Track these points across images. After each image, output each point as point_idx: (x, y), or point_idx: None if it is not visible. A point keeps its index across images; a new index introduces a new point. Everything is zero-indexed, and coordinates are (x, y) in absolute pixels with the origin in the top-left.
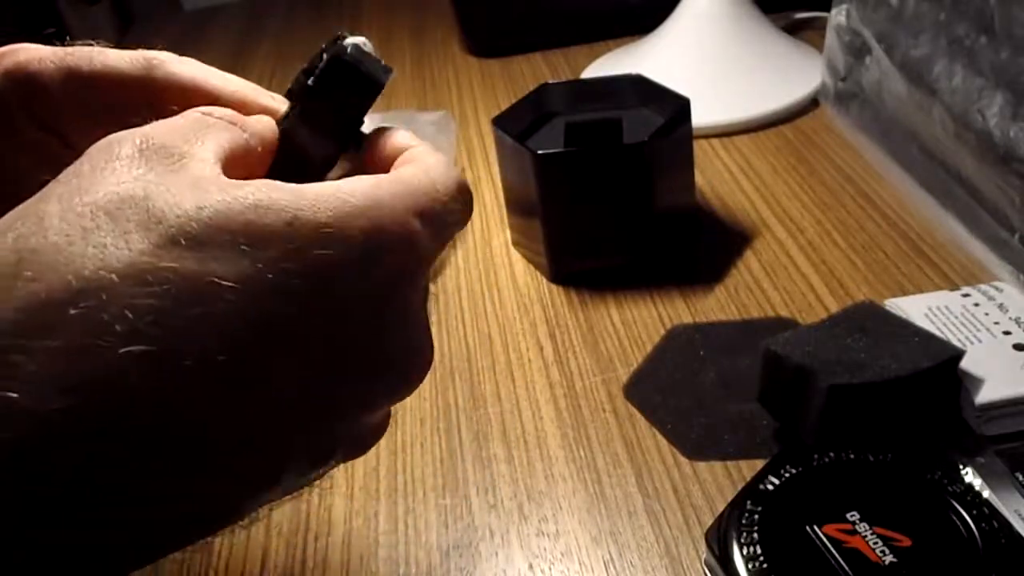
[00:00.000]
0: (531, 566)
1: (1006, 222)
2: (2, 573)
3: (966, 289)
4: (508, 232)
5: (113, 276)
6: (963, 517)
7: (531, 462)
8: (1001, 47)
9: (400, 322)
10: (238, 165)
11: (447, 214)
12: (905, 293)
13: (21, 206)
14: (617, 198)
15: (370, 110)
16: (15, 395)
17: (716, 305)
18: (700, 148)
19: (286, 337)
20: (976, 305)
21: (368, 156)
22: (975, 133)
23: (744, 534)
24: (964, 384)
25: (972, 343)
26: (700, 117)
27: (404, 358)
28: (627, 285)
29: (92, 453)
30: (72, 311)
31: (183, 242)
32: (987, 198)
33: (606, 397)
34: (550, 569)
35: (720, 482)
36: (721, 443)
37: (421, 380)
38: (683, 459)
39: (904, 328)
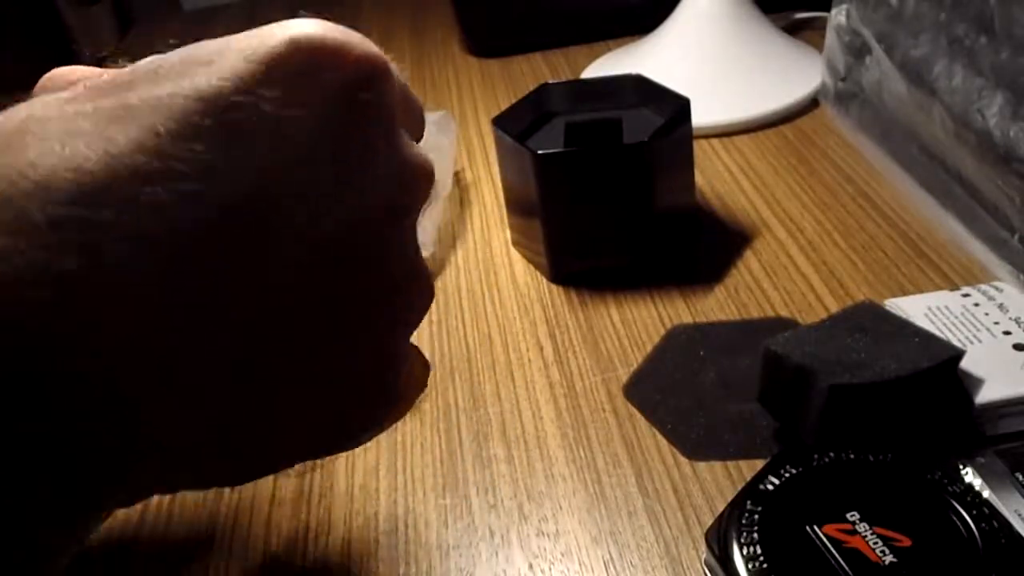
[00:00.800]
0: (531, 566)
1: (1006, 222)
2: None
3: (966, 289)
4: (508, 232)
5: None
6: (963, 517)
7: (531, 462)
8: (1001, 47)
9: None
10: None
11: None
12: (905, 293)
13: None
14: (617, 198)
15: None
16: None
17: (716, 305)
18: (700, 148)
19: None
20: (976, 305)
21: None
22: (975, 133)
23: (744, 534)
24: (964, 384)
25: (972, 343)
26: (700, 117)
27: (401, 171)
28: (627, 285)
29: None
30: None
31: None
32: (987, 198)
33: (606, 397)
34: (550, 569)
35: (720, 482)
36: (721, 443)
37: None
38: (683, 459)
39: (904, 328)
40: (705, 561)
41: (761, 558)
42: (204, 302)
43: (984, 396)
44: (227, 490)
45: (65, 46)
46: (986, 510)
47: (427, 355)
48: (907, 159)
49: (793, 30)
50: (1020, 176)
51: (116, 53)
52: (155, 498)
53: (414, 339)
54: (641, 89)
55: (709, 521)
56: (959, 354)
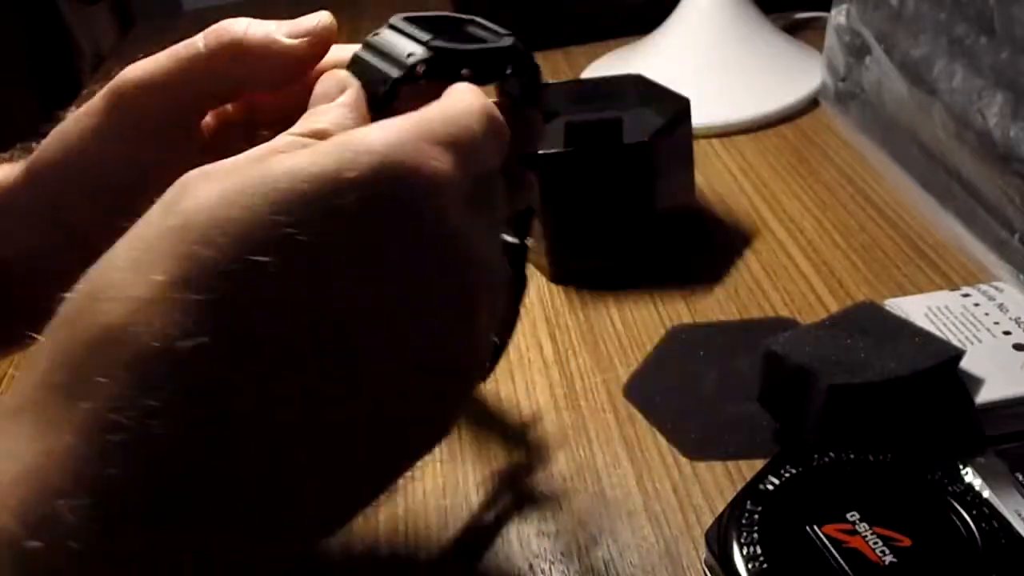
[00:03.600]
0: (531, 566)
1: (1006, 222)
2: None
3: (966, 289)
4: None
5: (164, 284)
6: (963, 517)
7: (531, 462)
8: (1001, 47)
9: (439, 244)
10: None
11: (470, 137)
12: (905, 293)
13: None
14: (617, 198)
15: None
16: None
17: (716, 305)
18: (700, 148)
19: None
20: (976, 305)
21: None
22: (975, 133)
23: (744, 534)
24: (964, 384)
25: (972, 343)
26: (700, 117)
27: (458, 273)
28: (627, 285)
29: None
30: (132, 327)
31: (208, 232)
32: (987, 198)
33: (606, 397)
34: (550, 569)
35: (720, 482)
36: (721, 443)
37: (490, 292)
38: (683, 459)
39: (904, 328)
40: (705, 561)
41: (761, 558)
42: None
43: (984, 396)
44: None
45: (65, 46)
46: (986, 510)
47: None
48: (907, 159)
49: (793, 30)
50: (1020, 176)
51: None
52: None
53: None
54: (641, 89)
55: (709, 521)
56: (959, 354)
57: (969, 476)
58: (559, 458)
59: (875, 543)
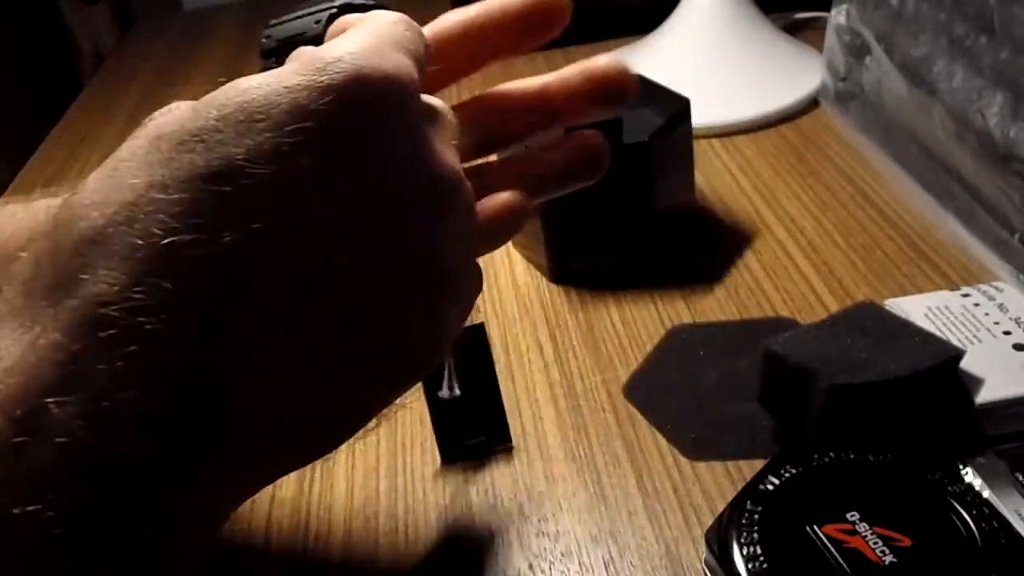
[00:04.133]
0: (531, 566)
1: (1006, 222)
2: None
3: (966, 289)
4: None
5: (139, 190)
6: (963, 517)
7: (531, 462)
8: (1001, 47)
9: (411, 144)
10: None
11: (416, 44)
12: (905, 293)
13: None
14: (617, 198)
15: None
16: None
17: (716, 305)
18: (700, 148)
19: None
20: (976, 305)
21: None
22: (975, 133)
23: (744, 534)
24: (964, 384)
25: (972, 343)
26: (700, 117)
27: (435, 180)
28: (627, 285)
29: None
30: (110, 230)
31: (186, 137)
32: (987, 198)
33: (606, 397)
34: (550, 569)
35: (720, 482)
36: (721, 443)
37: (465, 201)
38: (683, 459)
39: (904, 328)
40: (705, 561)
41: (761, 558)
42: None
43: (984, 396)
44: None
45: (65, 46)
46: (986, 510)
47: None
48: (907, 159)
49: (793, 30)
50: (1020, 176)
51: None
52: None
53: None
54: (641, 89)
55: (709, 521)
56: (959, 354)
57: (969, 476)
58: (559, 458)
59: (875, 543)
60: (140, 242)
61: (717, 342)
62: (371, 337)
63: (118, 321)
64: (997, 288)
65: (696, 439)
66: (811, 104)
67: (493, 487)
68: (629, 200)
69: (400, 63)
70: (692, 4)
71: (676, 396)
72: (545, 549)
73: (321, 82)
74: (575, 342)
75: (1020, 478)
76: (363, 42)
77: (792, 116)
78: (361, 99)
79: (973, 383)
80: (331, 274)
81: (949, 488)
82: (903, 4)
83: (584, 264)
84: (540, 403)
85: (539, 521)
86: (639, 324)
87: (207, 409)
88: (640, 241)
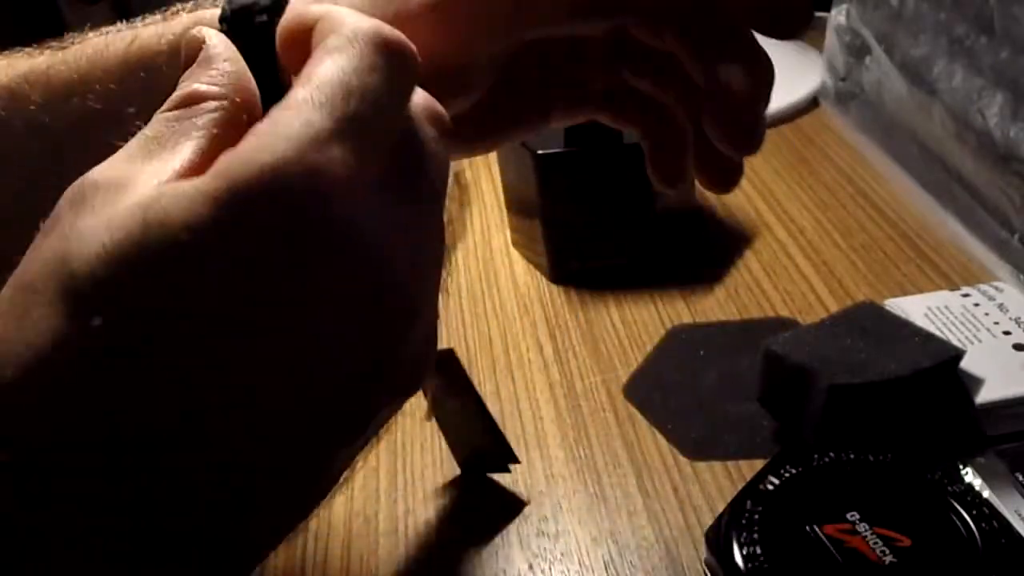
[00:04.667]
0: (531, 566)
1: (1006, 222)
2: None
3: (966, 289)
4: (508, 232)
5: (46, 352)
6: (963, 517)
7: (531, 462)
8: (1001, 47)
9: (345, 249)
10: (227, 142)
11: (369, 102)
12: (905, 293)
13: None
14: (617, 198)
15: None
16: None
17: (716, 305)
18: None
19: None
20: (976, 305)
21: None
22: (975, 133)
23: (744, 534)
24: (964, 384)
25: (972, 343)
26: None
27: (374, 280)
28: (627, 285)
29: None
30: (11, 402)
31: (89, 295)
32: (987, 198)
33: (606, 397)
34: (550, 569)
35: (720, 482)
36: (721, 443)
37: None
38: (683, 459)
39: (904, 328)
40: (705, 561)
41: (761, 558)
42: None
43: (984, 396)
44: None
45: None
46: (986, 510)
47: None
48: (907, 159)
49: None
50: (1020, 176)
51: None
52: None
53: None
54: None
55: (709, 521)
56: (959, 354)
57: (969, 476)
58: (559, 458)
59: (875, 543)
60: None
61: (717, 342)
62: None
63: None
64: (997, 288)
65: (696, 439)
66: (811, 104)
67: (493, 487)
68: (629, 200)
69: (330, 161)
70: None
71: (676, 396)
72: (545, 549)
73: (234, 214)
74: (575, 342)
75: (1020, 478)
76: (281, 149)
77: (792, 116)
78: (274, 226)
79: (973, 383)
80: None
81: (949, 488)
82: (903, 4)
83: (584, 264)
84: (540, 403)
85: (539, 521)
86: (639, 324)
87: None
88: (640, 241)
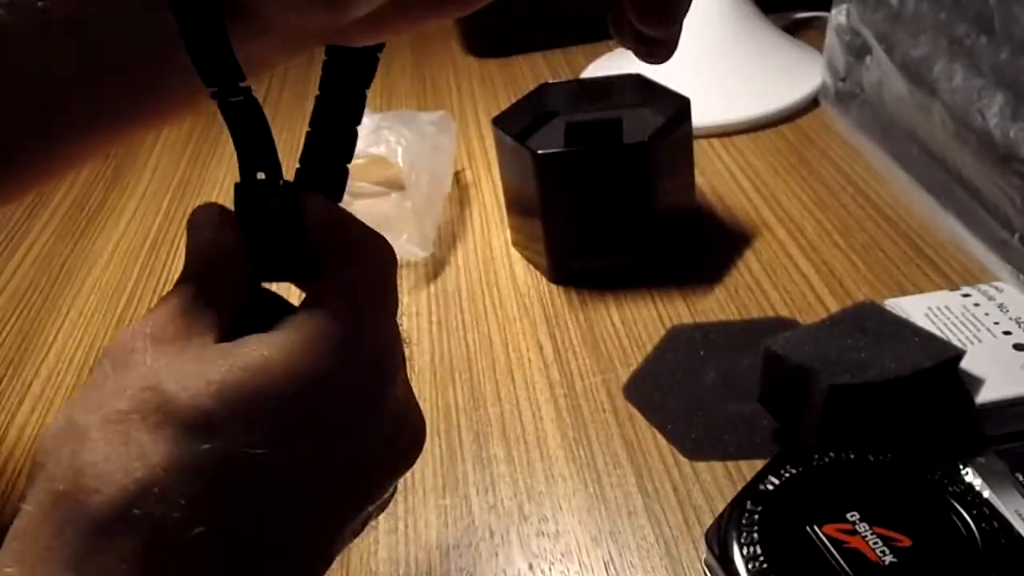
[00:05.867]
0: (531, 566)
1: (1006, 222)
2: None
3: (966, 289)
4: (508, 232)
5: (159, 471)
6: (963, 517)
7: (531, 462)
8: (1001, 47)
9: (380, 421)
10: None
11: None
12: (905, 293)
13: (63, 420)
14: (617, 198)
15: (370, 110)
16: None
17: (716, 305)
18: (700, 148)
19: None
20: (976, 305)
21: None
22: (975, 133)
23: (744, 534)
24: (964, 384)
25: (972, 343)
26: (700, 117)
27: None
28: (627, 285)
29: None
30: (136, 511)
31: (203, 423)
32: (987, 198)
33: (606, 397)
34: (550, 569)
35: (720, 482)
36: (721, 443)
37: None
38: (683, 459)
39: (904, 328)
40: (705, 561)
41: (761, 558)
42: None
43: (984, 396)
44: None
45: None
46: (986, 510)
47: (427, 356)
48: (907, 159)
49: (793, 30)
50: (1020, 176)
51: None
52: None
53: (417, 343)
54: (641, 89)
55: (709, 521)
56: (959, 354)
57: (969, 476)
58: (559, 458)
59: (875, 543)
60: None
61: (717, 342)
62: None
63: None
64: (997, 288)
65: (696, 439)
66: (811, 104)
67: (493, 487)
68: (629, 200)
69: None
70: (692, 4)
71: (676, 396)
72: (545, 549)
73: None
74: (575, 342)
75: (1020, 478)
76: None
77: (792, 116)
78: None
79: (973, 383)
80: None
81: (949, 488)
82: (903, 4)
83: (584, 264)
84: (540, 403)
85: (539, 521)
86: (639, 324)
87: None
88: (640, 241)
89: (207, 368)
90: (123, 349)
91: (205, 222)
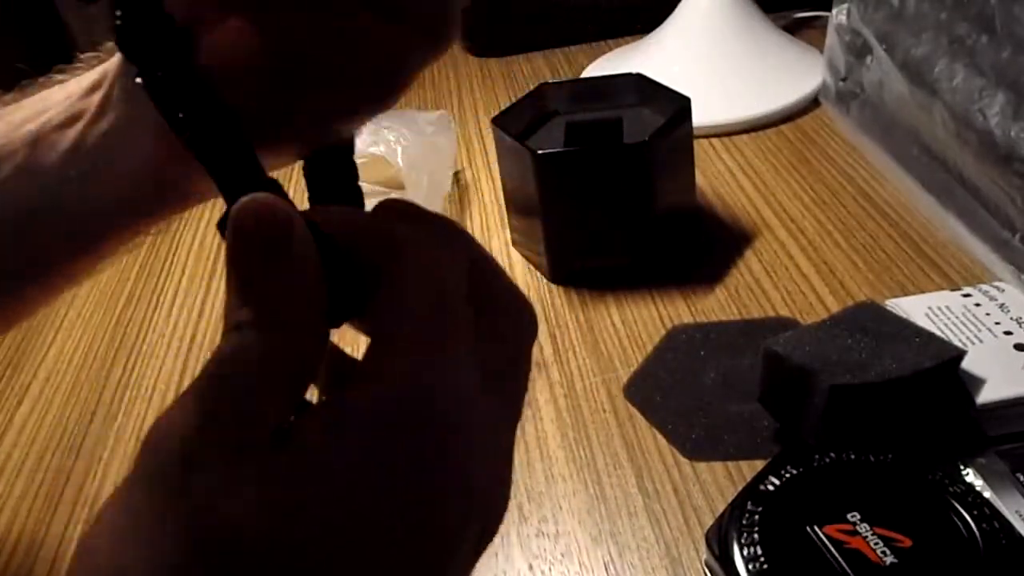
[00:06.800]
0: (531, 566)
1: (1007, 222)
2: None
3: (967, 289)
4: (508, 232)
5: None
6: (964, 517)
7: (531, 462)
8: (1002, 47)
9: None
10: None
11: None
12: (906, 293)
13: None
14: (617, 198)
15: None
16: None
17: (716, 305)
18: (700, 148)
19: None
20: (977, 305)
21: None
22: (976, 133)
23: (744, 534)
24: (965, 384)
25: (973, 343)
26: (700, 117)
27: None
28: (627, 285)
29: None
30: None
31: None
32: (988, 198)
33: (606, 397)
34: (550, 569)
35: (720, 482)
36: (721, 443)
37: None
38: (683, 459)
39: (905, 328)
40: (705, 561)
41: (761, 558)
42: None
43: (985, 396)
44: None
45: (64, 45)
46: (987, 510)
47: None
48: (908, 159)
49: (794, 30)
50: (1021, 176)
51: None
52: None
53: None
54: (641, 89)
55: (709, 521)
56: (960, 354)
57: (970, 476)
58: (559, 458)
59: (876, 543)
60: None
61: (717, 342)
62: None
63: None
64: (998, 288)
65: (696, 439)
66: (812, 104)
67: None
68: (629, 200)
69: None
70: (692, 4)
71: (676, 396)
72: (545, 549)
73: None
74: (575, 342)
75: (1021, 478)
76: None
77: (793, 116)
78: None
79: (974, 383)
80: None
81: (950, 488)
82: (904, 4)
83: (584, 264)
84: (540, 403)
85: (539, 521)
86: (639, 324)
87: None
88: (640, 241)
89: (267, 492)
90: (154, 454)
91: (283, 233)
